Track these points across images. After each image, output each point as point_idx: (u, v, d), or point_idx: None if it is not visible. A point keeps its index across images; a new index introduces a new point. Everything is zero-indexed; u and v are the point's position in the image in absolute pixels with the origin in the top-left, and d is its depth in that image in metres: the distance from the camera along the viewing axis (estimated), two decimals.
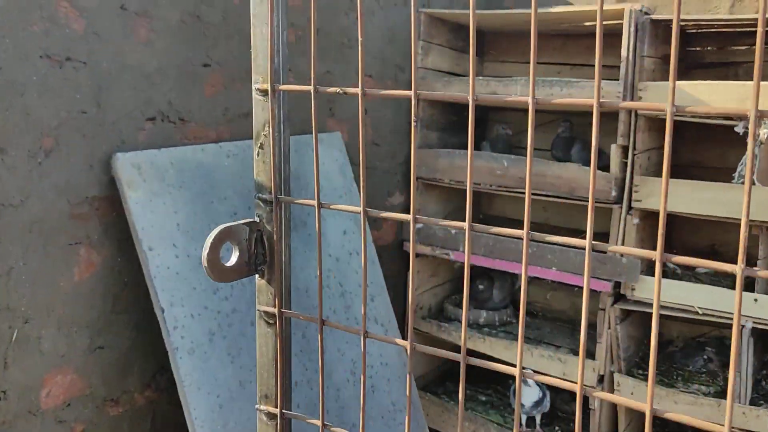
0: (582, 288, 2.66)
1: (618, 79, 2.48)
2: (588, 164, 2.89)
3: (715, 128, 2.64)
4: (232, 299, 1.96)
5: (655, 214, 2.61)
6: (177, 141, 1.95)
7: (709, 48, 2.89)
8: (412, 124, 0.73)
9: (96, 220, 1.78)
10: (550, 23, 2.94)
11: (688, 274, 2.73)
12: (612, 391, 2.66)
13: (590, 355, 2.72)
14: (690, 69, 2.91)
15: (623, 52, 2.46)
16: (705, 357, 2.84)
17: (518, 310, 3.30)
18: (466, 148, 3.27)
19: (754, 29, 2.58)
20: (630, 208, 2.57)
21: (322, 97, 2.48)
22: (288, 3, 0.96)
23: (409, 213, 2.88)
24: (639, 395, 2.58)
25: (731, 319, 2.40)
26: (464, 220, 0.74)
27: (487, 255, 2.82)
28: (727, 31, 2.79)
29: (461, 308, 3.20)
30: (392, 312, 2.53)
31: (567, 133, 2.92)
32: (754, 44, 2.79)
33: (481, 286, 3.16)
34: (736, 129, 2.24)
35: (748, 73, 2.78)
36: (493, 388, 3.23)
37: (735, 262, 0.66)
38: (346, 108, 2.58)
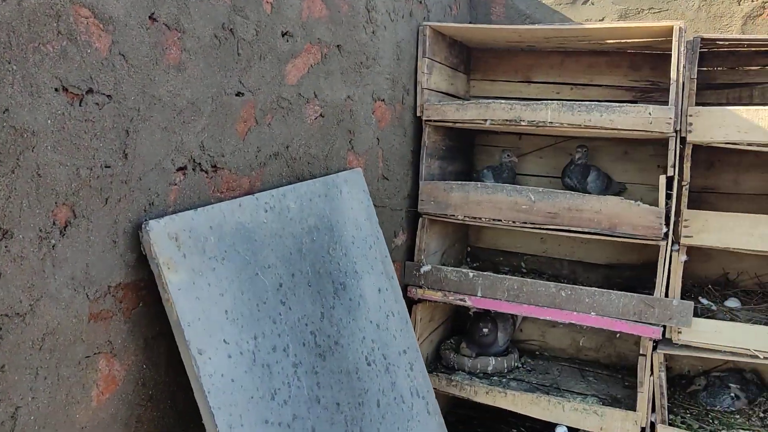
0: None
1: (667, 103, 2.23)
2: (606, 193, 2.64)
3: (728, 152, 2.47)
4: (291, 402, 1.48)
5: (698, 249, 2.40)
6: (209, 195, 1.45)
7: (719, 68, 2.74)
8: None
9: (119, 317, 1.25)
10: (552, 41, 2.67)
11: (723, 309, 2.56)
12: None
13: (630, 406, 2.47)
14: (700, 90, 2.74)
15: (673, 75, 2.22)
16: (732, 395, 2.67)
17: (522, 353, 3.01)
18: (467, 178, 2.93)
19: None
20: (673, 243, 2.34)
21: (344, 127, 2.04)
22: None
23: (413, 251, 2.41)
24: None
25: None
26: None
27: (512, 300, 2.49)
28: (739, 50, 2.64)
29: (461, 354, 2.84)
30: (428, 379, 2.14)
31: (584, 159, 2.66)
32: None
33: (485, 330, 2.83)
34: None
35: (763, 94, 2.65)
36: None
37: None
38: (364, 139, 2.16)
